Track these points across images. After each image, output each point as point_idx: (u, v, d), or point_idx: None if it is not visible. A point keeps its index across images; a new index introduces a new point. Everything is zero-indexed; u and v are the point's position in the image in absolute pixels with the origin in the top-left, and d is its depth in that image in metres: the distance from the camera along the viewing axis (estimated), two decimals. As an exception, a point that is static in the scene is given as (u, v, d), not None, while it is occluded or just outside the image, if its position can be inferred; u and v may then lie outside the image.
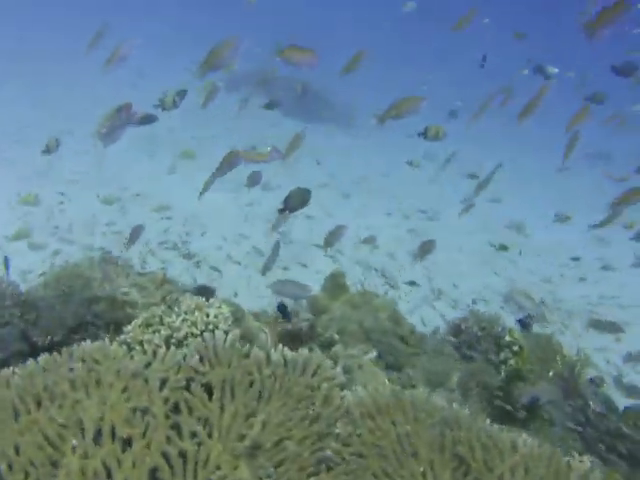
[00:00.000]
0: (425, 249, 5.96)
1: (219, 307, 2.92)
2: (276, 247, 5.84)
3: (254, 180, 5.81)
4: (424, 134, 5.92)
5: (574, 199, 13.44)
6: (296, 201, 4.84)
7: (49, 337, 3.37)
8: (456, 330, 4.86)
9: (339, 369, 2.48)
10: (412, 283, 7.96)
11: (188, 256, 8.18)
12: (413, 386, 3.64)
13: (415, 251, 5.93)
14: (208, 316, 2.83)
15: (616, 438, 3.71)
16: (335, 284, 4.31)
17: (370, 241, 8.32)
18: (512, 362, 4.27)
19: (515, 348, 4.35)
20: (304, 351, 2.52)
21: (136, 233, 5.92)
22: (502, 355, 4.35)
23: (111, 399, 2.38)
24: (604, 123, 9.43)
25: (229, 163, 5.15)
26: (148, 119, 6.53)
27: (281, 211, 4.94)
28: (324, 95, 17.33)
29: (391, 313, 4.15)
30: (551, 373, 4.16)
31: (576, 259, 9.36)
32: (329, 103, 17.52)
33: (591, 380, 4.11)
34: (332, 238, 5.72)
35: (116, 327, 3.34)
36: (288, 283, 4.22)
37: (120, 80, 15.45)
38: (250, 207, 10.15)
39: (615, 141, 16.95)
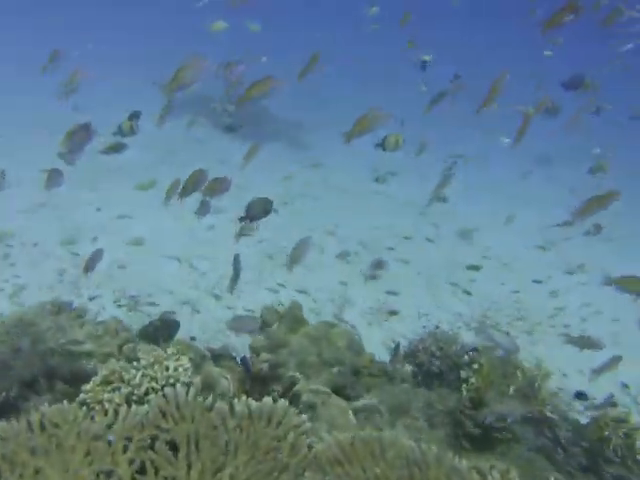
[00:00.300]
0: (377, 267, 5.85)
1: (178, 359, 2.89)
2: (236, 261, 5.73)
3: (204, 209, 5.78)
4: (382, 145, 5.85)
5: (522, 203, 13.63)
6: (257, 210, 4.84)
7: (4, 393, 3.29)
8: (415, 351, 4.90)
9: (304, 416, 2.46)
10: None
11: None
12: (378, 415, 3.64)
13: (367, 270, 5.78)
14: (168, 369, 2.80)
15: (583, 455, 3.77)
16: (293, 317, 4.30)
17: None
18: (473, 380, 4.30)
19: (475, 366, 4.39)
20: (268, 400, 2.50)
21: (96, 258, 5.76)
22: (463, 374, 4.39)
23: (73, 464, 2.33)
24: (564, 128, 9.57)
25: (195, 182, 5.26)
26: (118, 148, 6.50)
27: (242, 219, 4.94)
28: (275, 114, 17.27)
29: (349, 342, 4.15)
30: (512, 389, 4.20)
31: (538, 282, 9.42)
32: (279, 121, 17.45)
33: (578, 395, 4.14)
34: (298, 254, 5.42)
35: (73, 380, 3.28)
36: (244, 319, 4.20)
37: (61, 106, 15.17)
38: (211, 231, 10.02)
39: (552, 145, 17.26)
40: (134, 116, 6.74)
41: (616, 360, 5.22)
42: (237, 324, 4.17)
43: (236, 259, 5.70)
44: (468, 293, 8.39)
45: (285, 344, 4.15)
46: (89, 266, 5.71)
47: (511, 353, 4.04)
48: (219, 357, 3.66)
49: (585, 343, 5.27)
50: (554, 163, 16.71)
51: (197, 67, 4.67)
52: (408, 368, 4.74)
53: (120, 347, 3.44)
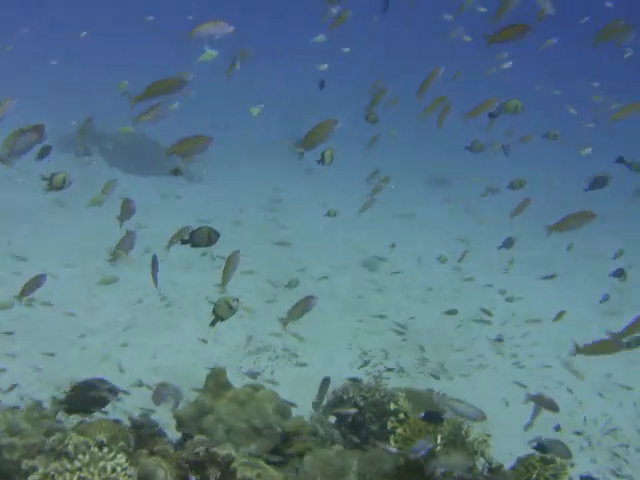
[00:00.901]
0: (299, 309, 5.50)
1: (113, 458, 2.77)
2: (155, 261, 5.65)
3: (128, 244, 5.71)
4: (322, 160, 6.02)
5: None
6: (201, 238, 4.82)
7: None
8: (338, 402, 4.89)
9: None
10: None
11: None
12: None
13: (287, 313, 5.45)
14: (106, 471, 2.68)
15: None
16: (217, 383, 4.22)
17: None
18: (400, 431, 4.32)
19: (401, 416, 4.42)
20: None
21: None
22: (389, 424, 4.40)
23: None
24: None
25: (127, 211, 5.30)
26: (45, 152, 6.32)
27: (183, 242, 4.90)
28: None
29: (277, 405, 4.12)
30: (439, 438, 4.24)
31: (498, 339, 9.50)
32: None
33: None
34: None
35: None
36: (168, 388, 4.10)
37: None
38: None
39: (443, 165, 17.74)
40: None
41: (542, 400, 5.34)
42: (157, 396, 4.06)
43: (154, 259, 5.66)
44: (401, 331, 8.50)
45: (211, 410, 4.07)
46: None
47: (477, 420, 4.08)
48: (151, 438, 3.55)
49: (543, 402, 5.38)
50: (449, 184, 17.21)
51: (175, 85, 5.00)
52: (332, 420, 4.73)
53: (46, 435, 3.27)
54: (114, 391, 3.90)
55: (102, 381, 3.97)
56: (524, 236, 10.05)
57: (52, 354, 7.35)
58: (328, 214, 8.55)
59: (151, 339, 8.21)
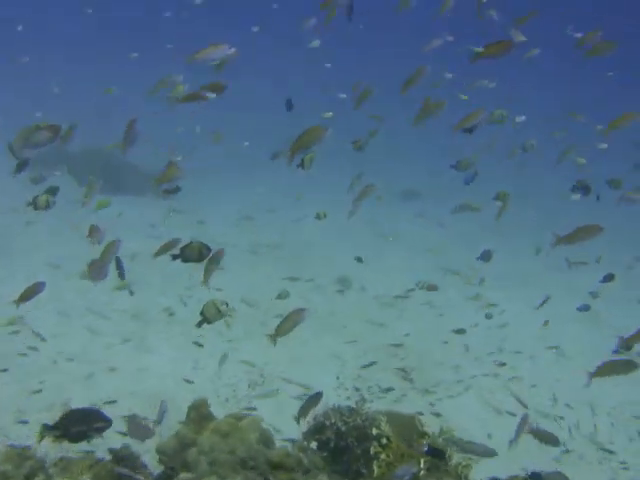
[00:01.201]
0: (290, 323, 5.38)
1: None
2: (118, 262, 5.67)
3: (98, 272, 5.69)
4: (302, 165, 6.17)
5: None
6: (192, 253, 4.87)
7: None
8: (320, 427, 4.87)
9: None
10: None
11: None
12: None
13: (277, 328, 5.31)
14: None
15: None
16: (199, 415, 4.19)
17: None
18: (383, 456, 4.33)
19: (383, 441, 4.42)
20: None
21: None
22: (372, 450, 4.40)
23: None
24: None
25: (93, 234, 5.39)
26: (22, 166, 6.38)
27: (174, 257, 4.91)
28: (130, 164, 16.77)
29: (261, 434, 4.09)
30: (422, 462, 4.25)
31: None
32: (135, 172, 16.88)
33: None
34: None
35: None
36: (135, 420, 4.07)
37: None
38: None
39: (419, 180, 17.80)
40: (51, 191, 6.60)
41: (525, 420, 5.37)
42: (133, 428, 4.02)
43: (117, 260, 5.68)
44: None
45: (194, 443, 4.04)
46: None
47: (487, 456, 4.12)
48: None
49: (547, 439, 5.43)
50: (422, 198, 17.25)
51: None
52: (314, 445, 4.71)
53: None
54: (105, 427, 3.87)
55: (96, 413, 3.94)
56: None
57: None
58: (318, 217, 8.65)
59: (128, 362, 8.10)
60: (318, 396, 5.26)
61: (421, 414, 5.29)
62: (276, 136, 10.11)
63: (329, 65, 14.11)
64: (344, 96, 10.64)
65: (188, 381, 7.46)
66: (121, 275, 6.25)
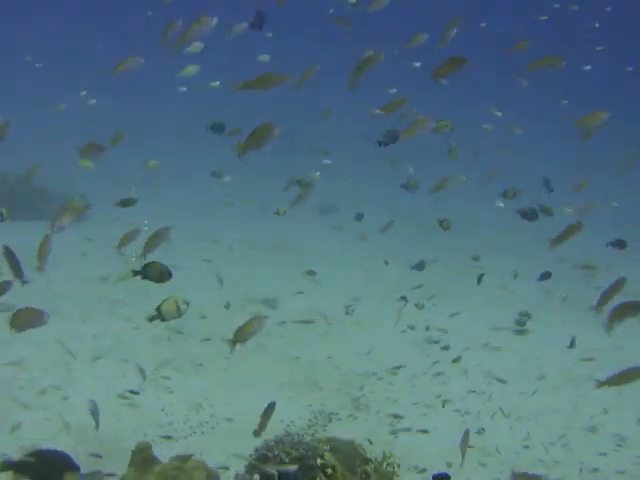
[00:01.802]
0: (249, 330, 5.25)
1: None
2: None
3: None
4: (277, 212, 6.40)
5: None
6: (153, 273, 4.88)
7: None
8: (263, 460, 4.83)
9: None
10: None
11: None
12: None
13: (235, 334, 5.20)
14: None
15: None
16: (144, 458, 4.11)
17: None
18: (329, 487, 4.33)
19: (329, 471, 4.42)
20: None
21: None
22: (317, 480, 4.39)
23: None
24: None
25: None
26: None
27: (135, 274, 4.89)
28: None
29: (207, 473, 4.05)
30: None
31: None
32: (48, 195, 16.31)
33: None
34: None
35: None
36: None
37: None
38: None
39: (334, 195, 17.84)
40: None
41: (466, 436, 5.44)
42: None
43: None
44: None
45: (139, 489, 3.95)
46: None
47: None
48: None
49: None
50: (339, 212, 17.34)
51: None
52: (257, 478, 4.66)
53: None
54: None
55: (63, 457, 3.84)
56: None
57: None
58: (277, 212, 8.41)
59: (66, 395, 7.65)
60: (271, 407, 5.28)
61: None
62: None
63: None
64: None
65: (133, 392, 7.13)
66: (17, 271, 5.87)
